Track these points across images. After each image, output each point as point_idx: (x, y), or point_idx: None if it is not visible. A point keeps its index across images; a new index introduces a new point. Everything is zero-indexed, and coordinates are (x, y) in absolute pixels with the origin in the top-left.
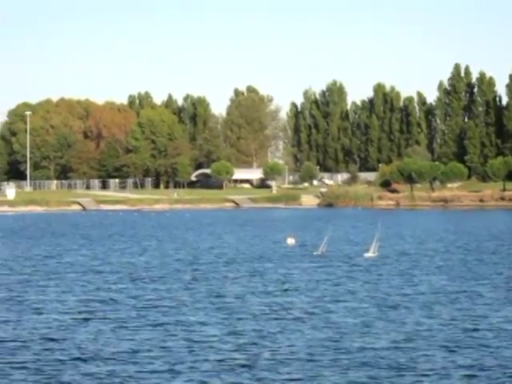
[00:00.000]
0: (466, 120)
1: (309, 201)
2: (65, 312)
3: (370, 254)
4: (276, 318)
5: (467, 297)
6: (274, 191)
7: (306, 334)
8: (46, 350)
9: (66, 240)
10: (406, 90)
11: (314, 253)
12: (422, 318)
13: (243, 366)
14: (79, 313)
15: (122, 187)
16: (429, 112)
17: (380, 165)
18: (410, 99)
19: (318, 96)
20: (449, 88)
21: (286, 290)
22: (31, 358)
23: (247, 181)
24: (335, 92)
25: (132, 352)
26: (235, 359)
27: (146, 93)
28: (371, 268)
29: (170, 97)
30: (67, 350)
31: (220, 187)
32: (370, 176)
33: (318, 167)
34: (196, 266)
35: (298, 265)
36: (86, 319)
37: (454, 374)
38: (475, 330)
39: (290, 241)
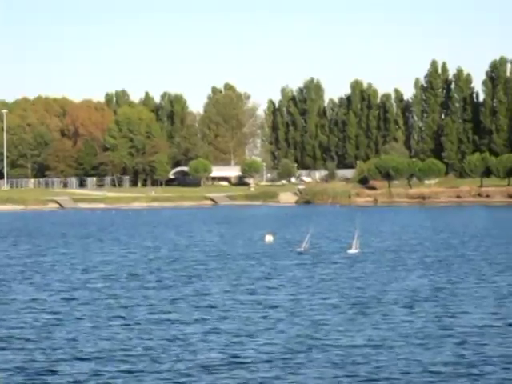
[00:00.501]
0: (443, 117)
1: (287, 198)
2: (42, 311)
3: (352, 251)
4: (257, 316)
5: (447, 293)
6: (252, 189)
7: (286, 332)
8: (21, 349)
9: (44, 239)
10: (384, 86)
11: (297, 249)
12: (403, 314)
13: (221, 364)
14: (56, 312)
15: (100, 185)
16: (406, 109)
17: (358, 162)
18: (387, 96)
19: (295, 93)
20: (426, 85)
21: (267, 287)
22: (8, 358)
23: (225, 178)
24: (312, 89)
25: (110, 351)
26: (213, 358)
27: (123, 91)
28: (354, 265)
29: (147, 95)
30: (44, 350)
31: (198, 185)
32: (348, 173)
33: (296, 164)
34: (176, 264)
35: (281, 262)
36: (64, 319)
37: (430, 371)
38: (455, 326)
39: (269, 238)
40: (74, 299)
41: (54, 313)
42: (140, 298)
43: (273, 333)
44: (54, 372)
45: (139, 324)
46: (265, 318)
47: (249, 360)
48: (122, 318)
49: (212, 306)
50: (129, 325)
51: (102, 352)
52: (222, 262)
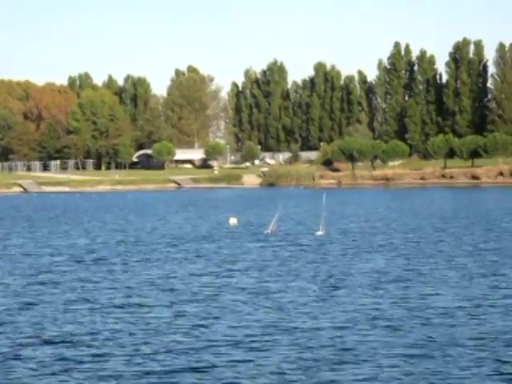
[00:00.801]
0: (407, 98)
1: (251, 180)
2: (6, 295)
3: (319, 233)
4: (222, 299)
5: (414, 275)
6: (216, 171)
7: (251, 314)
8: None
9: (8, 223)
10: (347, 68)
11: (264, 232)
12: (369, 296)
13: (186, 348)
14: (21, 296)
15: (64, 169)
16: (369, 90)
17: (321, 144)
18: (350, 78)
19: (258, 75)
20: (389, 66)
21: (233, 270)
22: None
23: (189, 161)
24: (276, 71)
25: (74, 335)
26: (179, 341)
27: (86, 74)
28: (321, 247)
29: (110, 78)
30: (8, 334)
31: (162, 168)
32: (312, 155)
33: (260, 147)
34: (141, 247)
35: (247, 244)
36: (29, 303)
37: (398, 353)
38: (422, 308)
39: (233, 221)
40: (38, 283)
41: (19, 296)
42: (105, 281)
43: (238, 315)
44: (18, 357)
45: (104, 307)
46: (231, 300)
47: (214, 343)
48: (88, 301)
49: (177, 290)
50: (94, 308)
51: (67, 336)
52: (187, 244)
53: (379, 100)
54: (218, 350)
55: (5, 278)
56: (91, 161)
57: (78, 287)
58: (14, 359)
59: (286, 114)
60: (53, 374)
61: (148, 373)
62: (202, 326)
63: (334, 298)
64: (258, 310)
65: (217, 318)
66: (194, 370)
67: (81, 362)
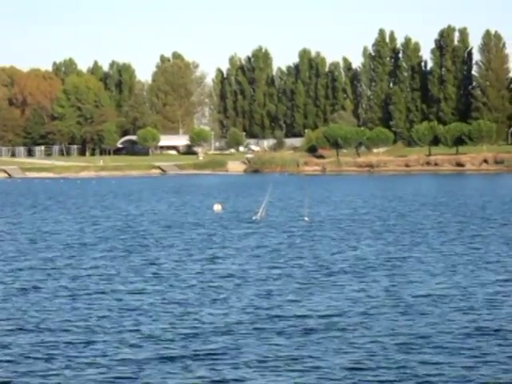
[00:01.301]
0: (391, 85)
1: (235, 167)
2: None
3: (306, 219)
4: (210, 286)
5: (402, 262)
6: (201, 158)
7: (237, 302)
8: None
9: None
10: (332, 55)
11: (253, 217)
12: (354, 283)
13: (172, 335)
14: (11, 282)
15: (48, 154)
16: (354, 77)
17: (306, 130)
18: (335, 65)
19: (243, 62)
20: (374, 53)
21: (219, 257)
22: None
23: (173, 147)
24: (260, 58)
25: (62, 322)
26: (163, 329)
27: (71, 60)
28: (306, 233)
29: (95, 63)
30: None
31: (146, 154)
32: (296, 142)
33: (244, 133)
34: (125, 234)
35: (235, 231)
36: (18, 289)
37: (389, 341)
38: (406, 295)
39: (217, 207)
40: (21, 269)
41: (11, 282)
42: (90, 268)
43: (224, 303)
44: (7, 343)
45: (88, 294)
46: (216, 287)
47: (199, 330)
48: (71, 288)
49: (162, 276)
50: (77, 295)
51: (48, 323)
52: (173, 231)
53: (364, 87)
54: (203, 338)
55: None
56: (76, 147)
57: (68, 274)
58: (6, 346)
59: (271, 101)
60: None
61: (138, 361)
62: (187, 313)
63: (318, 285)
64: (243, 298)
65: (202, 304)
66: (181, 357)
67: (68, 349)
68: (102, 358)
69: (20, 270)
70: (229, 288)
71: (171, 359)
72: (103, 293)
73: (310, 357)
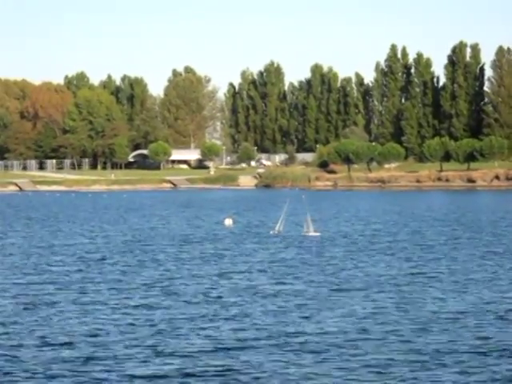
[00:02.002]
0: (403, 101)
1: (246, 182)
2: (12, 296)
3: (312, 233)
4: (223, 301)
5: (415, 279)
6: (212, 172)
7: (254, 317)
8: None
9: (6, 222)
10: (344, 70)
11: (271, 232)
12: (372, 300)
13: (198, 351)
14: (23, 296)
15: (59, 168)
16: (366, 93)
17: (317, 145)
18: (347, 80)
19: (255, 77)
20: (386, 69)
21: (234, 271)
22: None
23: (185, 161)
24: (273, 73)
25: (78, 336)
26: (183, 344)
27: (83, 73)
28: (322, 248)
29: (107, 77)
30: (8, 335)
31: (157, 168)
32: (308, 157)
33: (256, 148)
34: (139, 248)
35: (251, 245)
36: (34, 303)
37: (403, 359)
38: (425, 312)
39: (228, 222)
40: (33, 283)
41: (26, 295)
42: (101, 282)
43: (238, 318)
44: (17, 358)
45: (100, 309)
46: (230, 303)
47: (212, 346)
48: (91, 302)
49: (175, 291)
50: (89, 309)
51: (67, 337)
52: (185, 246)
53: (376, 102)
54: (223, 352)
55: (9, 277)
56: (87, 160)
57: (82, 288)
58: (10, 361)
59: (283, 116)
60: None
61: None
62: (204, 327)
63: (334, 301)
64: (262, 313)
65: (224, 319)
66: (200, 373)
67: (83, 364)
68: (112, 373)
69: (32, 283)
70: (242, 303)
71: (188, 375)
72: (115, 307)
73: (326, 375)
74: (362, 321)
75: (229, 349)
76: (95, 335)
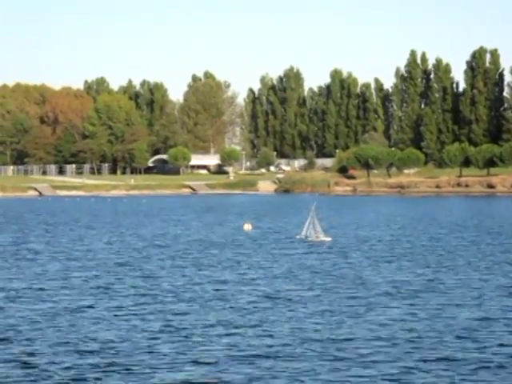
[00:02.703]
0: (423, 106)
1: (266, 187)
2: (42, 301)
3: (323, 238)
4: (252, 307)
5: (441, 285)
6: (231, 177)
7: (284, 323)
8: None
9: (27, 227)
10: (363, 76)
11: (297, 236)
12: (401, 306)
13: (241, 356)
14: (57, 301)
15: (79, 173)
16: (386, 98)
17: (337, 151)
18: (366, 85)
19: (275, 82)
20: (405, 74)
21: (258, 277)
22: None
23: (204, 167)
24: (292, 78)
25: (107, 343)
26: (209, 352)
27: (103, 78)
28: (344, 254)
29: (128, 82)
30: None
31: (177, 173)
32: (327, 162)
33: (275, 153)
34: (164, 253)
35: (273, 250)
36: (61, 308)
37: (438, 366)
38: (456, 319)
39: (247, 227)
40: (63, 288)
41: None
42: (130, 287)
43: (267, 325)
44: (53, 362)
45: (131, 315)
46: (256, 309)
47: (244, 353)
48: (117, 307)
49: (203, 297)
50: (124, 315)
51: (89, 343)
52: (209, 251)
53: (395, 108)
54: (246, 360)
55: (37, 282)
56: (107, 165)
57: (104, 294)
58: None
59: (302, 121)
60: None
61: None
62: (233, 334)
63: (362, 308)
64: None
65: (248, 326)
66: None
67: (105, 372)
68: (136, 382)
69: (62, 288)
70: (264, 309)
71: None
72: (148, 313)
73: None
74: (391, 327)
75: (254, 356)
76: (118, 342)
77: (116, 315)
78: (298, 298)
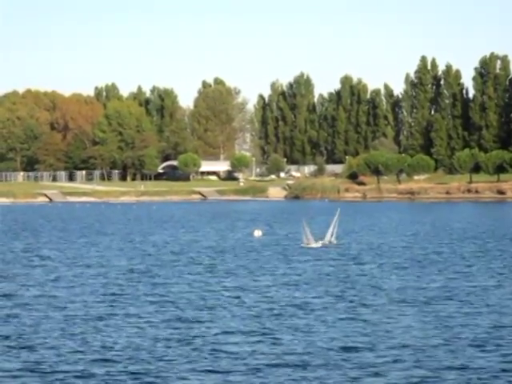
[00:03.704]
0: (433, 112)
1: (276, 193)
2: (55, 308)
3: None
4: (272, 315)
5: (460, 291)
6: (241, 183)
7: (308, 332)
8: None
9: (39, 234)
10: (373, 82)
11: (320, 242)
12: (425, 313)
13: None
14: (74, 309)
15: (89, 179)
16: (396, 104)
17: (347, 157)
18: (376, 91)
19: (285, 88)
20: (415, 80)
21: (275, 284)
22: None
23: (214, 173)
24: (302, 84)
25: (120, 350)
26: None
27: (113, 84)
28: (362, 260)
29: (137, 89)
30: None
31: (187, 179)
32: (337, 168)
33: (285, 159)
34: (180, 260)
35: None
36: (76, 315)
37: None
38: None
39: (257, 233)
40: (80, 295)
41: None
42: (150, 294)
43: (290, 332)
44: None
45: (153, 321)
46: (277, 316)
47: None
48: (135, 315)
49: (223, 305)
50: (143, 322)
51: (108, 351)
52: (223, 257)
53: (405, 114)
54: (292, 368)
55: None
56: (117, 171)
57: (120, 301)
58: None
59: (312, 127)
60: None
61: None
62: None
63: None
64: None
65: (267, 334)
66: None
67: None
68: None
69: (76, 295)
70: (281, 316)
71: None
72: (168, 321)
73: None
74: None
75: (267, 365)
76: (132, 349)
77: (130, 322)
78: (312, 306)
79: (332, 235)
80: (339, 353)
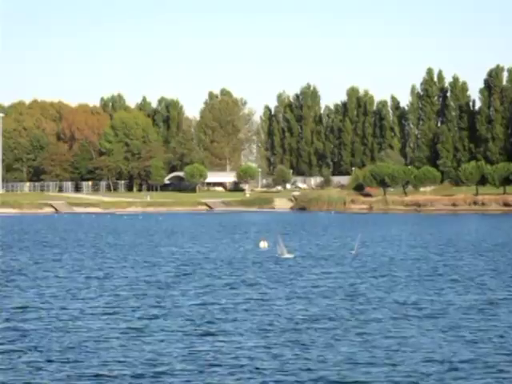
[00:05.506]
0: (439, 124)
1: (282, 204)
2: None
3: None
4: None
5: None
6: (248, 195)
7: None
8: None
9: (47, 244)
10: (380, 94)
11: (350, 252)
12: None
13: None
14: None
15: (95, 190)
16: (402, 116)
17: (353, 169)
18: (383, 103)
19: (291, 99)
20: (422, 92)
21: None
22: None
23: (220, 184)
24: (309, 96)
25: (141, 364)
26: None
27: (119, 95)
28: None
29: (143, 99)
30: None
31: (193, 190)
32: (343, 180)
33: (292, 171)
34: (195, 273)
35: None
36: (89, 328)
37: None
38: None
39: (263, 244)
40: (95, 307)
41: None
42: (161, 307)
43: (314, 347)
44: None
45: (168, 335)
46: (299, 330)
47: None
48: (155, 329)
49: (240, 319)
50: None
51: (127, 366)
52: (235, 270)
53: (412, 126)
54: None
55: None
56: (123, 182)
57: (143, 314)
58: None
59: (318, 139)
60: None
61: None
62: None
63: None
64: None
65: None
66: None
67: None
68: None
69: (90, 308)
70: (296, 330)
71: None
72: (188, 334)
73: None
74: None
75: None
76: (147, 365)
77: (141, 336)
78: (326, 320)
79: (358, 247)
80: (363, 368)
